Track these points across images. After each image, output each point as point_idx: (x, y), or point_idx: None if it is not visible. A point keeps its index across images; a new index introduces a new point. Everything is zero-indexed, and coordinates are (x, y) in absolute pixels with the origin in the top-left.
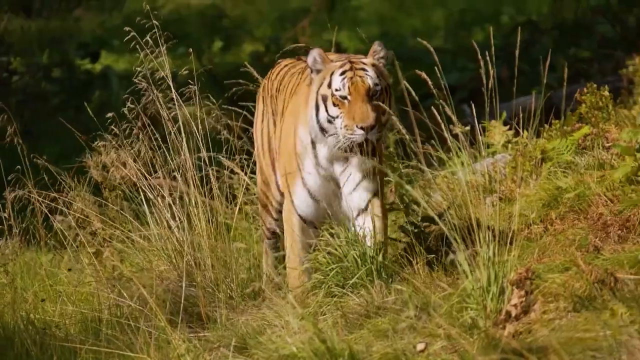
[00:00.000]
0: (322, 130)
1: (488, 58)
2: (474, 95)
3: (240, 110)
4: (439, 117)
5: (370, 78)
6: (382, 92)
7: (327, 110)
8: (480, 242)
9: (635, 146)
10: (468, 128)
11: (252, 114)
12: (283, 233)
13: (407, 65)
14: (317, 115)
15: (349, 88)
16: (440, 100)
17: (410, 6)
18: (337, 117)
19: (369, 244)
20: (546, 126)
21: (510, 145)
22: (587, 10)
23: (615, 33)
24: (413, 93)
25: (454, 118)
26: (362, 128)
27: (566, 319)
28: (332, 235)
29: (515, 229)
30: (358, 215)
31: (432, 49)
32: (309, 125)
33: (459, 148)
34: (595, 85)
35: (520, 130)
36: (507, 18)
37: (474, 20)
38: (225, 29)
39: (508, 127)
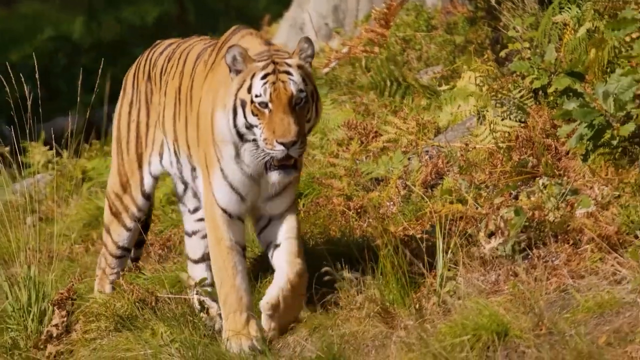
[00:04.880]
0: (240, 135)
1: (25, 78)
2: (14, 115)
3: None
4: None
5: (294, 83)
6: (307, 99)
7: (245, 117)
8: (20, 262)
9: None
10: (8, 149)
11: None
12: (137, 247)
13: None
14: (234, 120)
15: (270, 95)
16: None
17: None
18: (257, 126)
19: (284, 257)
20: (86, 146)
21: (50, 165)
22: (126, 31)
23: None
24: None
25: None
26: (282, 144)
27: (107, 338)
28: None
29: (56, 249)
30: (270, 221)
31: None
32: (227, 129)
33: None
34: None
35: (61, 151)
36: (46, 38)
37: (10, 41)
38: None
39: (48, 147)
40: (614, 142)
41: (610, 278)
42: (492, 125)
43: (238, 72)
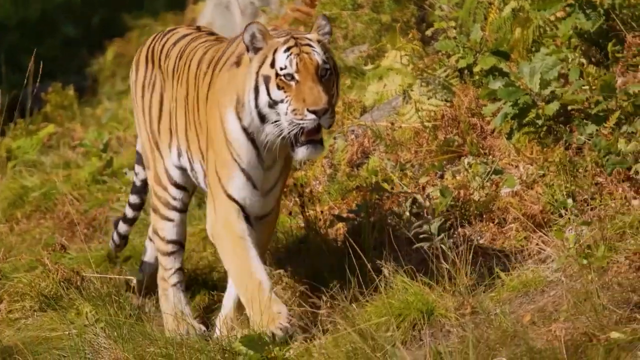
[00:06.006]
0: (261, 117)
1: None
2: None
3: None
4: None
5: (318, 54)
6: (331, 71)
7: (269, 94)
8: None
9: (100, 146)
10: None
11: None
12: (175, 241)
13: None
14: (256, 99)
15: (296, 65)
16: None
17: None
18: (282, 101)
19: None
20: (11, 125)
21: None
22: (51, 9)
23: (79, 32)
24: None
25: None
26: (314, 112)
27: (32, 318)
28: None
29: None
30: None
31: None
32: (245, 112)
33: None
34: (60, 85)
35: None
36: None
37: None
38: None
39: None
40: (539, 121)
41: (535, 257)
42: (417, 104)
43: (257, 50)
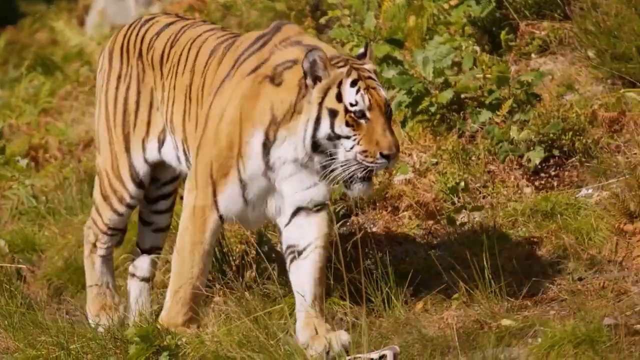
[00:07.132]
0: (315, 146)
1: None
2: None
3: None
4: None
5: (383, 90)
6: (391, 107)
7: (332, 127)
8: None
9: None
10: None
11: None
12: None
13: None
14: (315, 131)
15: (369, 102)
16: None
17: None
18: (347, 137)
19: (312, 248)
20: None
21: None
22: None
23: None
24: None
25: None
26: (386, 157)
27: None
28: None
29: None
30: (296, 212)
31: None
32: (298, 139)
33: None
34: None
35: None
36: None
37: None
38: None
39: None
40: (433, 109)
41: (428, 244)
42: None
43: (316, 78)
